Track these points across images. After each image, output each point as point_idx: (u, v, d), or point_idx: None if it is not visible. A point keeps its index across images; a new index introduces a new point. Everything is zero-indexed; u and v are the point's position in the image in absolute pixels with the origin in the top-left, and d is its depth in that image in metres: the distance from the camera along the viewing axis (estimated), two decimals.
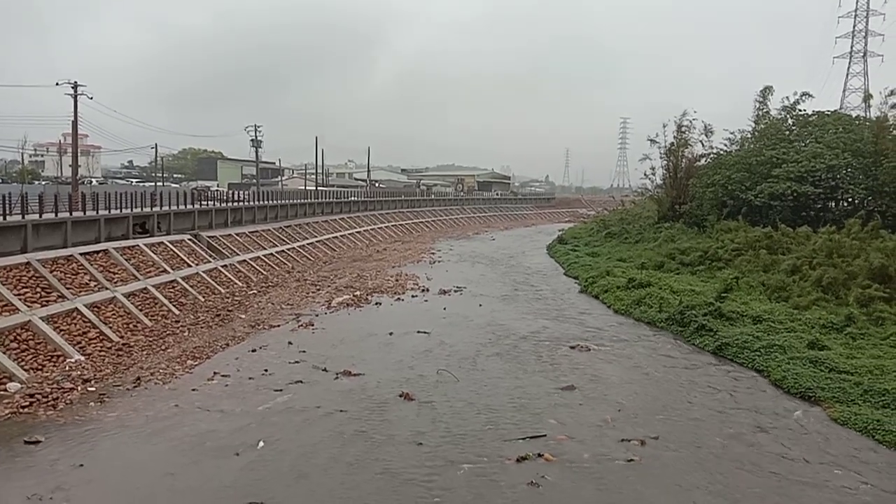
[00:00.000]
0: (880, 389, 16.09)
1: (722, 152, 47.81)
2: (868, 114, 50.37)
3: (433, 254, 53.50)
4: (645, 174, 56.39)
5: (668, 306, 26.21)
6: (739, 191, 39.89)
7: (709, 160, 48.48)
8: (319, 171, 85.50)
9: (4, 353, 17.83)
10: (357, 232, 61.63)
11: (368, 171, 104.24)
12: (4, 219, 24.20)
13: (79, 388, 16.99)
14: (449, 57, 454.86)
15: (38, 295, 21.28)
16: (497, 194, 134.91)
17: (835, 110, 46.41)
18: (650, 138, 53.61)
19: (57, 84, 44.78)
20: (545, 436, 14.21)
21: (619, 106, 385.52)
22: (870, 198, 36.00)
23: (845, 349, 19.80)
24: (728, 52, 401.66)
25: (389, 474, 12.34)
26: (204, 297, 29.42)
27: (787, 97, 45.50)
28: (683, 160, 51.04)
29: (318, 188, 74.13)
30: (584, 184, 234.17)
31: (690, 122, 50.73)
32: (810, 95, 44.54)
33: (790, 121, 44.60)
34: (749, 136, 47.11)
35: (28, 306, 20.26)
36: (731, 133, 49.13)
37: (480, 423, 14.96)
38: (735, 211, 39.94)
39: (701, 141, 50.69)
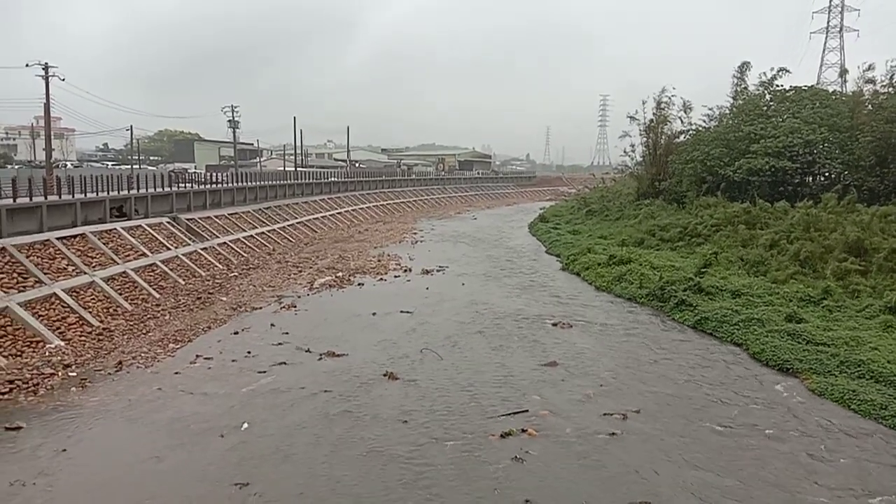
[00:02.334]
0: (856, 360, 16.43)
1: (701, 129, 48.03)
2: (844, 89, 50.78)
3: (415, 234, 53.42)
4: (625, 151, 56.73)
5: (648, 282, 26.44)
6: (718, 167, 40.15)
7: (688, 137, 48.70)
8: (298, 151, 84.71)
9: None
10: (338, 213, 61.29)
11: (348, 151, 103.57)
12: None
13: (59, 374, 16.85)
14: (426, 37, 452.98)
15: (15, 280, 20.98)
16: (478, 173, 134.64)
17: (811, 85, 46.66)
18: (630, 115, 53.74)
19: (27, 65, 43.60)
20: (527, 411, 14.37)
21: (598, 84, 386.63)
22: (846, 172, 36.43)
23: (822, 321, 20.15)
24: (706, 29, 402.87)
25: (375, 453, 12.41)
26: (184, 280, 29.17)
27: (764, 73, 45.71)
28: (663, 137, 51.25)
29: (298, 169, 73.45)
30: (564, 162, 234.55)
31: (669, 98, 50.92)
32: (787, 71, 44.78)
33: (768, 96, 44.81)
34: (727, 112, 47.32)
35: (5, 292, 19.97)
36: (710, 109, 49.42)
37: (464, 401, 15.08)
38: (714, 187, 40.24)
39: (680, 118, 50.97)
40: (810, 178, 39.74)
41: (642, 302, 25.41)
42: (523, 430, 13.31)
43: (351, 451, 12.53)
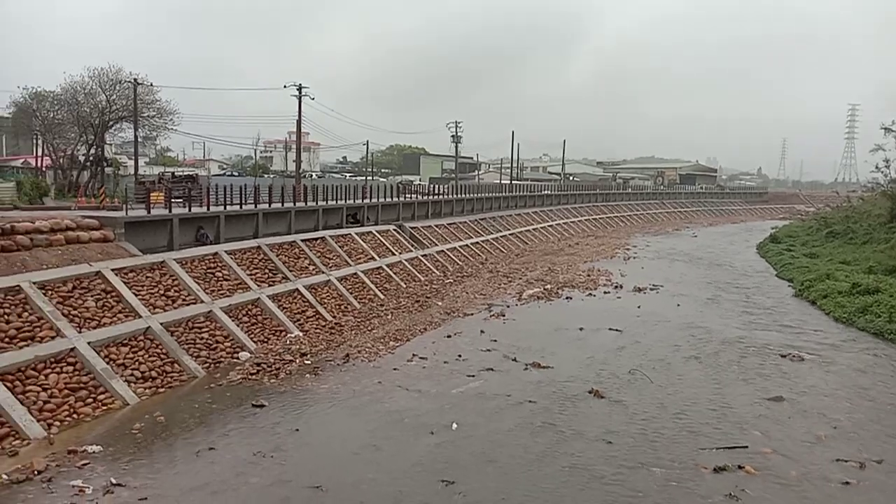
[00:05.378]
0: None
1: None
2: None
3: (628, 249, 51.92)
4: (877, 167, 50.13)
5: None
6: None
7: None
8: (514, 165, 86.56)
9: (238, 326, 20.37)
10: (549, 225, 61.56)
11: (563, 164, 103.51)
12: (241, 207, 27.56)
13: (297, 361, 18.92)
14: (649, 49, 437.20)
15: (266, 276, 23.99)
16: (701, 188, 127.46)
17: None
18: (884, 126, 47.46)
19: (284, 87, 49.80)
20: (747, 447, 13.30)
21: (845, 93, 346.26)
22: None
23: None
24: None
25: (577, 469, 12.30)
26: (405, 283, 31.24)
27: None
28: None
29: (513, 182, 75.07)
30: (802, 177, 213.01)
31: None
32: None
33: None
34: None
35: (258, 285, 22.92)
36: None
37: (674, 428, 14.37)
38: None
39: None
40: None
41: (891, 338, 22.31)
42: (740, 467, 12.33)
43: (553, 464, 12.55)
